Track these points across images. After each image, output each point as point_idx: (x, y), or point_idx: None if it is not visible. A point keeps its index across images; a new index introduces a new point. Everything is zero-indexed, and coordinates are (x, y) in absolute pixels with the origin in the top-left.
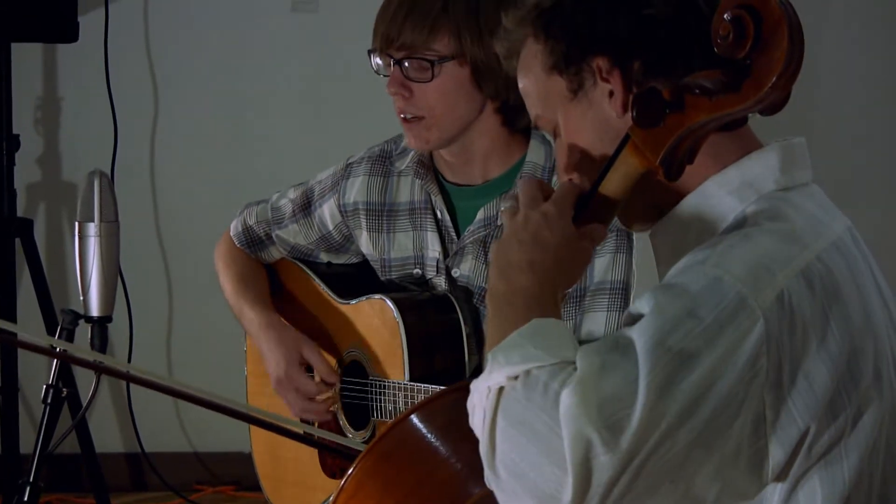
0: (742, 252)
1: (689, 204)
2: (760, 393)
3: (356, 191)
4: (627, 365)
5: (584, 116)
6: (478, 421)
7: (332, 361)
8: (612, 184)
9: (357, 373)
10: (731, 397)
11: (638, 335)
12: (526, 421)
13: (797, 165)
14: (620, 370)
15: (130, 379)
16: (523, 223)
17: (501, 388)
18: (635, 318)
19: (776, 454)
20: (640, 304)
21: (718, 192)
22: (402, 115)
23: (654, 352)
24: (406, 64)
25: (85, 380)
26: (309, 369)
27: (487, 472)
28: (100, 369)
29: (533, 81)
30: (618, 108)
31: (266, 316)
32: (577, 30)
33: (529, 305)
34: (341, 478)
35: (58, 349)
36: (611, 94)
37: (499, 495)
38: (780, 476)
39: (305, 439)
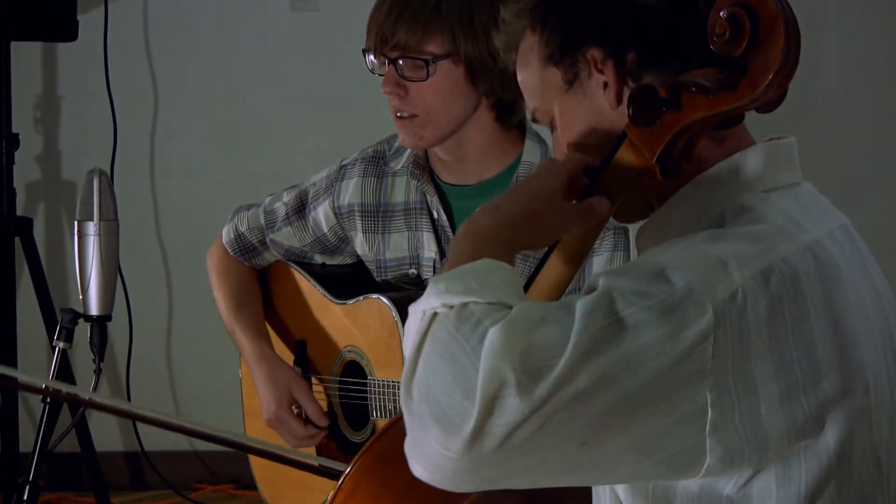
0: (703, 249)
1: (671, 206)
2: (701, 388)
3: (350, 192)
4: (565, 322)
5: (578, 107)
6: (409, 343)
7: (329, 363)
8: (609, 181)
9: (355, 373)
10: (660, 380)
11: (583, 300)
12: (449, 349)
13: (782, 167)
14: (558, 325)
15: (91, 405)
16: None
17: (435, 314)
18: (588, 290)
19: (715, 451)
20: (596, 279)
21: (700, 195)
22: (397, 114)
23: (592, 315)
24: (401, 63)
25: (84, 378)
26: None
27: (403, 393)
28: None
29: (530, 74)
30: (611, 99)
31: (259, 348)
32: (573, 20)
33: (477, 246)
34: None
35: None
36: (605, 85)
37: (407, 419)
38: (730, 470)
39: (304, 465)
